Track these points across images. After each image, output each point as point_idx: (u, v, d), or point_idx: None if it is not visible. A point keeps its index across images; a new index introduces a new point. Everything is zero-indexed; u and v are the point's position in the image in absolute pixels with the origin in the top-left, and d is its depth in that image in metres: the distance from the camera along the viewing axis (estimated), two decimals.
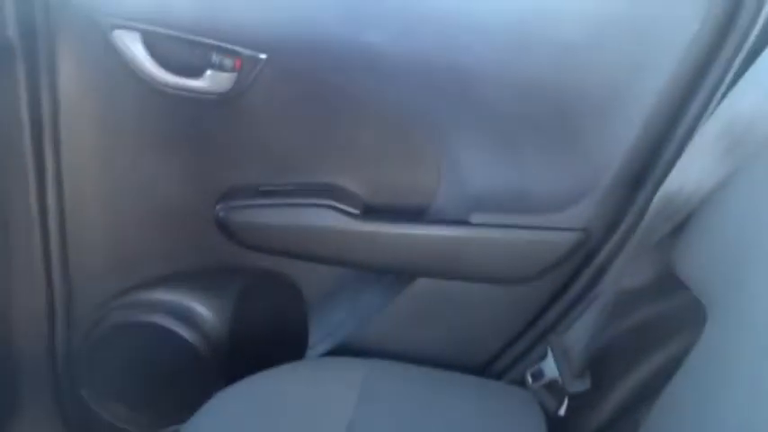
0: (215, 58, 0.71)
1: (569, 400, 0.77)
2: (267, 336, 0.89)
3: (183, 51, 0.71)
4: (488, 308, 0.84)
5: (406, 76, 0.72)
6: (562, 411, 0.77)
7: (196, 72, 0.72)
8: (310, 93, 0.74)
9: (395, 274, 0.84)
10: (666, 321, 0.77)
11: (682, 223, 0.66)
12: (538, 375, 0.80)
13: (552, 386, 0.78)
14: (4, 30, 0.68)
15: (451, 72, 0.71)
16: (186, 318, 0.84)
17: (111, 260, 0.82)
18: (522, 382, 0.81)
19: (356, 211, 0.78)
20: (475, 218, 0.78)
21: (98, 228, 0.80)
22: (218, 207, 0.79)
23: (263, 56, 0.70)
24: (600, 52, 0.68)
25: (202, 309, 0.84)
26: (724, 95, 0.63)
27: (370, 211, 0.79)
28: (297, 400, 0.69)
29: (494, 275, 0.80)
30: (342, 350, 0.86)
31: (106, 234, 0.81)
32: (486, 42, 0.69)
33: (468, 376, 0.78)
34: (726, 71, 0.66)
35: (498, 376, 0.87)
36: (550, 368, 0.78)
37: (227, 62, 0.71)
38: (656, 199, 0.66)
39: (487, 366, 0.88)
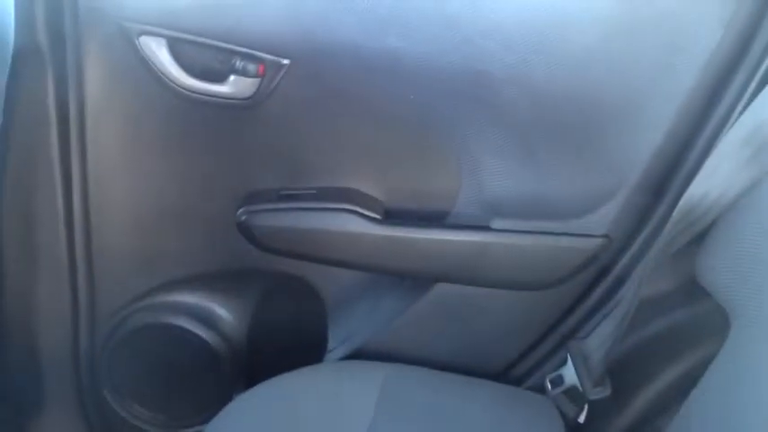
0: (239, 63, 0.72)
1: (589, 406, 0.76)
2: (286, 339, 0.89)
3: (207, 57, 0.72)
4: (508, 313, 0.83)
5: (428, 81, 0.72)
6: (582, 418, 0.76)
7: (220, 77, 0.73)
8: (332, 97, 0.75)
9: (414, 278, 0.84)
10: (689, 329, 0.76)
11: (705, 230, 0.65)
12: (557, 382, 0.79)
13: (572, 393, 0.78)
14: (35, 35, 0.69)
15: (472, 77, 0.71)
16: (207, 320, 0.85)
17: (134, 262, 0.83)
18: (541, 389, 0.81)
19: (376, 216, 0.78)
20: (495, 223, 0.78)
21: (122, 230, 0.81)
22: (239, 211, 0.80)
23: (285, 61, 0.71)
24: (623, 57, 0.68)
25: (223, 311, 0.85)
26: (749, 102, 0.62)
27: (391, 216, 0.80)
28: (317, 404, 0.70)
29: (514, 281, 0.80)
30: (361, 354, 0.86)
31: (130, 236, 0.82)
32: (508, 47, 0.69)
33: (487, 381, 0.78)
34: (751, 77, 0.66)
35: (517, 382, 0.87)
36: (570, 375, 0.78)
37: (251, 67, 0.72)
38: (679, 205, 0.65)
39: (507, 372, 0.87)
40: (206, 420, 0.69)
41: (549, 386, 0.80)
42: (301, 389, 0.73)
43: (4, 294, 0.77)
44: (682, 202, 0.65)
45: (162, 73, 0.72)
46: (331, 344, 0.90)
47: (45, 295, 0.81)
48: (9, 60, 0.68)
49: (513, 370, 0.87)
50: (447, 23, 0.69)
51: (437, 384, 0.76)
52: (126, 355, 0.86)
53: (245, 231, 0.81)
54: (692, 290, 0.71)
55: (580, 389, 0.76)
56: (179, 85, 0.73)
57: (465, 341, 0.85)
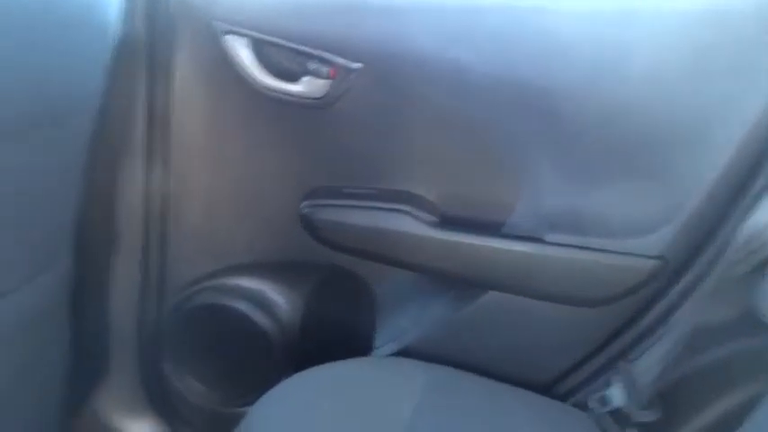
0: (312, 65, 0.76)
1: (635, 430, 0.75)
2: (335, 331, 0.92)
3: (284, 58, 0.77)
4: (558, 328, 0.83)
5: (494, 94, 0.74)
6: None
7: (295, 77, 0.77)
8: (399, 103, 0.78)
9: (466, 284, 0.85)
10: (745, 361, 0.74)
11: (766, 260, 0.64)
12: (603, 401, 0.78)
13: (617, 414, 0.77)
14: (135, 28, 0.76)
15: (539, 93, 0.72)
16: (264, 305, 0.89)
17: (203, 245, 0.89)
18: (585, 407, 0.80)
19: (433, 219, 0.80)
20: (550, 236, 0.78)
21: (196, 214, 0.87)
22: (303, 204, 0.84)
23: (356, 65, 0.75)
24: (692, 80, 0.68)
25: (279, 298, 0.89)
26: None
27: (447, 221, 0.81)
28: (358, 395, 0.72)
29: (565, 296, 0.80)
30: (406, 354, 0.88)
31: (202, 220, 0.87)
32: (577, 67, 0.70)
33: (531, 394, 0.78)
34: None
35: (561, 398, 0.86)
36: (616, 396, 0.77)
37: (324, 70, 0.76)
38: (740, 232, 0.64)
39: (551, 387, 0.87)
40: (254, 401, 0.72)
41: (594, 405, 0.79)
42: (345, 379, 0.75)
43: (83, 265, 0.84)
44: (743, 229, 0.64)
45: (243, 70, 0.77)
46: (378, 341, 0.92)
47: (119, 269, 0.88)
48: (108, 51, 0.74)
49: (558, 385, 0.87)
50: (514, 39, 0.71)
51: (480, 391, 0.77)
52: (187, 331, 0.91)
53: (307, 224, 0.85)
54: (751, 321, 0.69)
55: (626, 411, 0.75)
56: (257, 83, 0.77)
57: (512, 351, 0.86)
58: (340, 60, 0.75)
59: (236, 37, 0.77)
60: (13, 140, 0.60)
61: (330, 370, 0.76)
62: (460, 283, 0.86)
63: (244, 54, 0.77)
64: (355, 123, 0.80)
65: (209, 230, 0.88)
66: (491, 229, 0.81)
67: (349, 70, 0.75)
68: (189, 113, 0.82)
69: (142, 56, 0.78)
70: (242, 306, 0.88)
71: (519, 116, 0.75)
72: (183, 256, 0.89)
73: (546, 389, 0.87)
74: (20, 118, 0.60)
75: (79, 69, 0.68)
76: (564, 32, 0.69)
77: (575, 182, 0.76)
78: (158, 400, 0.95)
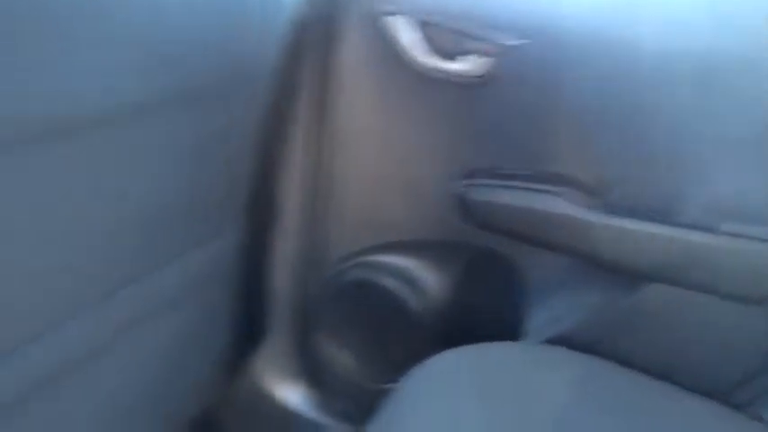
0: (473, 44, 0.76)
1: None
2: (484, 313, 0.91)
3: (445, 37, 0.77)
4: (735, 330, 0.75)
5: (658, 82, 0.69)
6: None
7: (456, 56, 0.77)
8: (560, 84, 0.75)
9: (627, 273, 0.80)
10: None
11: None
12: None
13: None
14: (310, 8, 0.80)
15: (710, 70, 0.66)
16: (413, 284, 0.90)
17: (359, 222, 0.91)
18: (760, 419, 0.72)
19: (593, 203, 0.77)
20: (725, 226, 0.71)
21: (354, 191, 0.90)
22: (459, 184, 0.84)
23: (517, 43, 0.73)
24: None
25: (429, 278, 0.90)
26: None
27: (608, 206, 0.77)
28: (508, 380, 0.70)
29: (741, 292, 0.72)
30: (557, 343, 0.85)
31: (360, 198, 0.90)
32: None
33: (702, 399, 0.72)
34: None
35: (732, 405, 0.78)
36: None
37: (484, 48, 0.75)
38: None
39: (718, 392, 0.79)
40: (397, 380, 0.73)
41: None
42: (495, 361, 0.73)
43: (247, 234, 0.90)
44: None
45: (404, 50, 0.79)
46: (528, 327, 0.90)
47: (280, 240, 0.93)
48: (284, 27, 0.79)
49: (732, 394, 0.79)
50: (684, 16, 0.66)
51: (638, 388, 0.71)
52: (339, 305, 0.94)
53: (462, 204, 0.85)
54: None
55: None
56: (418, 63, 0.79)
57: (674, 350, 0.79)
58: (501, 38, 0.74)
59: (397, 17, 0.78)
60: (190, 108, 0.65)
61: (479, 351, 0.75)
62: (620, 271, 0.81)
63: (405, 34, 0.78)
64: (514, 103, 0.79)
65: (365, 208, 0.90)
66: (656, 216, 0.75)
67: (509, 48, 0.74)
68: (352, 92, 0.85)
69: (311, 35, 0.82)
70: (392, 284, 0.90)
71: (687, 104, 0.69)
72: (340, 231, 0.92)
73: (710, 394, 0.79)
74: (199, 85, 0.65)
75: (256, 43, 0.73)
76: (733, 14, 0.63)
77: (749, 169, 0.69)
78: (309, 368, 1.00)
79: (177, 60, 0.60)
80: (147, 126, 0.60)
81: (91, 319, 0.65)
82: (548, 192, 0.79)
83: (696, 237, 0.72)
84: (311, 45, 0.83)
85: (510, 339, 0.88)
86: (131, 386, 0.76)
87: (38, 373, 0.61)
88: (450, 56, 0.77)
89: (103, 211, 0.60)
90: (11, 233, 0.53)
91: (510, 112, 0.79)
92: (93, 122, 0.54)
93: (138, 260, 0.69)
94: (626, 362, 0.76)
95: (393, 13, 0.79)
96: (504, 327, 0.90)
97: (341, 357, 0.97)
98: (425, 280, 0.90)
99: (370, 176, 0.89)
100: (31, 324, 0.59)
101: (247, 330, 0.97)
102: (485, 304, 0.91)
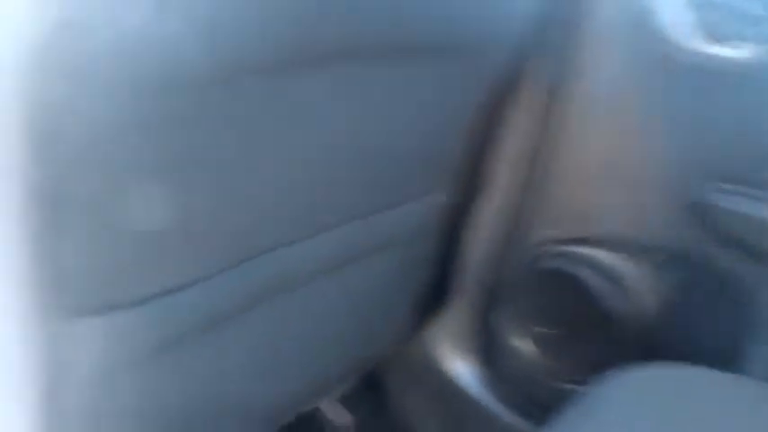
0: (755, 27, 0.67)
1: None
2: (697, 332, 0.82)
3: (717, 18, 0.69)
4: None
5: None
6: None
7: (727, 41, 0.69)
8: None
9: None
10: None
11: None
12: None
13: None
14: None
15: None
16: (619, 285, 0.84)
17: (571, 210, 0.87)
18: None
19: None
20: None
21: (572, 178, 0.85)
22: (702, 188, 0.76)
23: None
24: None
25: (638, 282, 0.83)
26: None
27: None
28: (714, 412, 0.62)
29: None
30: None
31: (577, 186, 0.85)
32: None
33: None
34: None
35: None
36: None
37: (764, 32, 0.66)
38: None
39: None
40: (581, 382, 0.68)
41: None
42: (701, 387, 0.66)
43: (451, 201, 0.89)
44: None
45: (662, 32, 0.72)
46: (749, 356, 0.79)
47: (484, 213, 0.91)
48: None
49: None
50: None
51: None
52: (533, 291, 0.91)
53: (700, 211, 0.76)
54: None
55: None
56: (678, 46, 0.71)
57: None
58: None
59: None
60: (433, 62, 0.64)
61: (683, 372, 0.67)
62: None
63: (670, 14, 0.71)
64: None
65: (580, 198, 0.86)
66: None
67: None
68: (593, 75, 0.79)
69: (557, 10, 0.78)
70: (594, 279, 0.84)
71: None
72: (546, 216, 0.88)
73: None
74: (446, 42, 0.64)
75: (504, 16, 0.71)
76: None
77: None
78: (486, 348, 0.98)
79: (438, 9, 0.60)
80: (394, 69, 0.60)
81: (303, 249, 0.68)
82: None
83: None
84: (557, 21, 0.79)
85: (723, 367, 0.79)
86: (326, 320, 0.79)
87: (255, 289, 0.65)
88: (722, 40, 0.69)
89: (335, 146, 0.62)
90: (255, 154, 0.55)
91: None
92: (370, 53, 0.55)
93: (355, 202, 0.70)
94: None
95: None
96: (717, 352, 0.81)
97: (524, 345, 0.93)
98: (634, 282, 0.83)
99: (593, 165, 0.83)
100: (255, 243, 0.63)
101: (431, 295, 0.97)
102: (699, 322, 0.82)
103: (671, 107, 0.76)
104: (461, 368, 0.99)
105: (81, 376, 0.55)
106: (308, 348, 0.81)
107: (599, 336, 0.85)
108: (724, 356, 0.80)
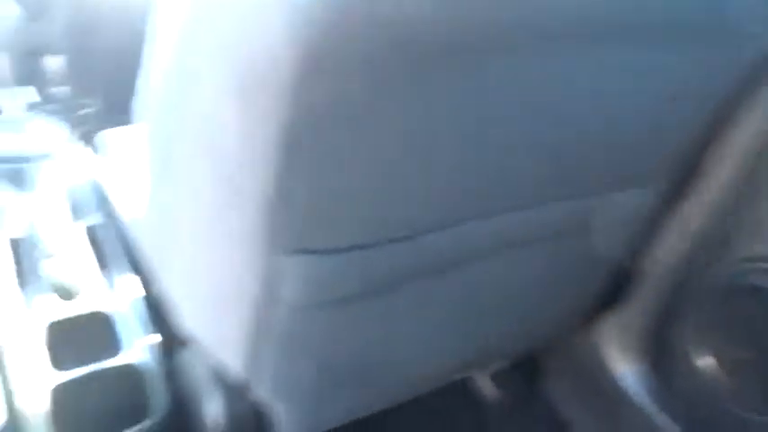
0: None
1: None
2: None
3: None
4: None
5: None
6: None
7: None
8: None
9: None
10: None
11: None
12: None
13: None
14: None
15: None
16: None
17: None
18: None
19: None
20: None
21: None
22: None
23: None
24: None
25: None
26: None
27: None
28: None
29: None
30: None
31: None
32: None
33: None
34: None
35: None
36: None
37: None
38: None
39: None
40: None
41: None
42: None
43: (662, 196, 0.83)
44: None
45: None
46: None
47: (690, 215, 0.85)
48: None
49: None
50: None
51: None
52: (725, 307, 0.83)
53: None
54: None
55: None
56: None
57: None
58: None
59: None
60: (678, 46, 0.58)
61: None
62: None
63: None
64: None
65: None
66: None
67: None
68: None
69: None
70: None
71: None
72: (758, 229, 0.80)
73: None
74: (704, 25, 0.58)
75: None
76: None
77: None
78: (654, 355, 0.93)
79: None
80: (650, 51, 0.56)
81: (501, 221, 0.67)
82: None
83: None
84: None
85: None
86: (499, 297, 0.80)
87: (465, 248, 0.67)
88: None
89: (560, 123, 0.60)
90: (493, 124, 0.55)
91: None
92: (635, 33, 0.52)
93: (568, 183, 0.68)
94: None
95: None
96: None
97: (705, 363, 0.87)
98: None
99: None
100: (468, 207, 0.63)
101: (607, 290, 0.93)
102: None
103: None
104: (627, 370, 0.94)
105: (285, 305, 0.60)
106: (475, 323, 0.81)
107: None
108: None
